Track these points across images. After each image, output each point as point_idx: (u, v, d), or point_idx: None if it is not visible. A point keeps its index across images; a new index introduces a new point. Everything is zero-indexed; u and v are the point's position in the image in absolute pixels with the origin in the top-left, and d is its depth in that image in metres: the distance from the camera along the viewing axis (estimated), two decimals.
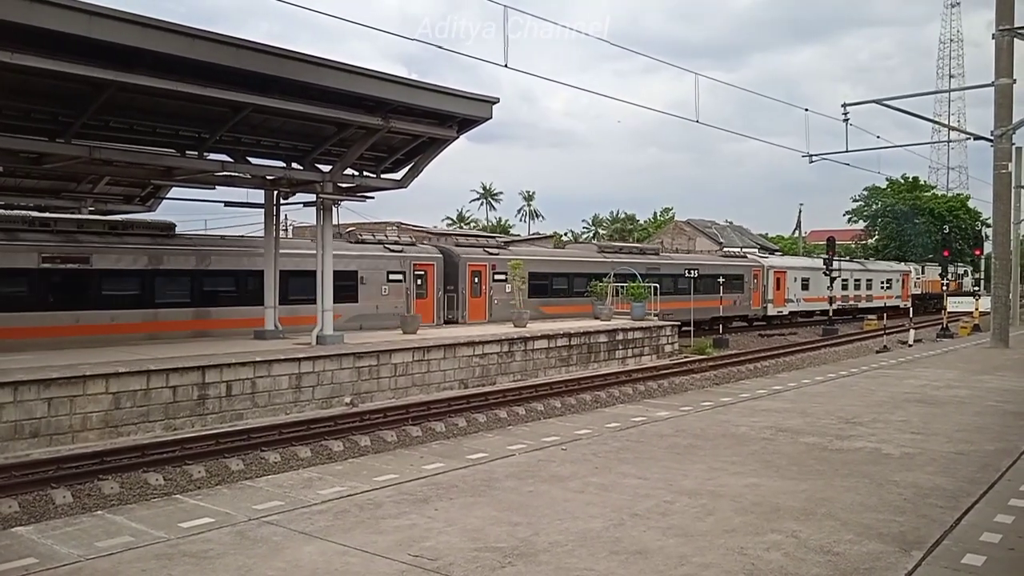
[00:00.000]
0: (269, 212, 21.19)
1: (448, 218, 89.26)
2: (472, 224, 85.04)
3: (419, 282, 26.00)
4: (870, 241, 73.86)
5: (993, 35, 20.10)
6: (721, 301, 35.48)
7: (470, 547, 5.03)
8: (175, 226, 21.95)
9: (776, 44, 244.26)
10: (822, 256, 43.43)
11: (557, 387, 20.23)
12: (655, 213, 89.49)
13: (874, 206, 73.97)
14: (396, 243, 26.58)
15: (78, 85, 14.19)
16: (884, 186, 70.67)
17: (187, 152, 18.05)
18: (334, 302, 19.75)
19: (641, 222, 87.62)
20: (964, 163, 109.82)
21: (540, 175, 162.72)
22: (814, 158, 24.60)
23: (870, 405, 10.91)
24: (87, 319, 19.24)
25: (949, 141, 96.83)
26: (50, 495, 10.82)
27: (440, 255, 27.21)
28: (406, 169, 21.01)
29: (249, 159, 19.11)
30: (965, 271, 57.23)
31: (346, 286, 23.55)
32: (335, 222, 23.81)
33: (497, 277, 28.15)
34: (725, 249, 53.01)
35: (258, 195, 21.32)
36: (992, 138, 20.74)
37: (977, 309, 32.89)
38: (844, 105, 21.23)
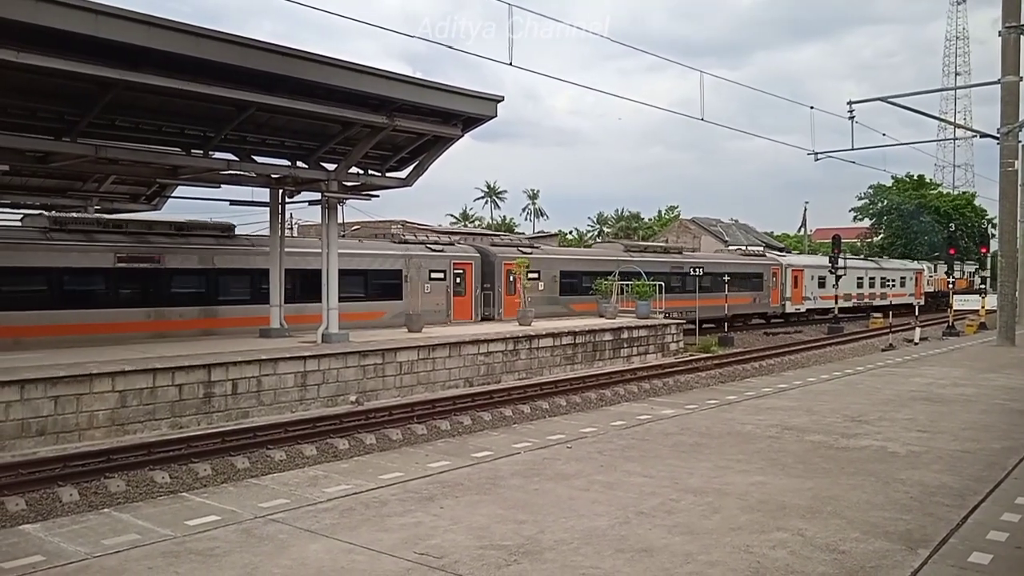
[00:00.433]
0: (274, 210, 21.28)
1: (452, 215, 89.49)
2: (476, 223, 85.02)
3: (458, 280, 26.98)
4: (876, 239, 73.60)
5: (999, 32, 20.05)
6: (748, 299, 35.99)
7: (475, 545, 5.03)
8: (235, 227, 22.91)
9: (778, 42, 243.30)
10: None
11: (562, 385, 20.23)
12: (660, 211, 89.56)
13: (880, 204, 73.74)
14: (437, 243, 27.65)
15: (84, 84, 14.22)
16: (890, 184, 70.44)
17: (193, 151, 18.13)
18: (380, 300, 20.24)
19: (646, 220, 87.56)
20: (970, 161, 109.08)
21: (544, 173, 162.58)
22: (819, 156, 24.52)
23: (876, 403, 10.88)
24: (158, 316, 20.19)
25: (955, 139, 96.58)
26: (57, 493, 10.86)
27: (478, 255, 28.16)
28: (411, 167, 21.05)
29: (254, 157, 19.16)
30: (975, 268, 57.13)
31: (391, 284, 24.68)
32: (340, 220, 24.11)
33: (531, 275, 28.70)
34: (738, 248, 52.93)
35: (263, 193, 21.44)
36: (998, 136, 20.66)
37: (983, 307, 32.76)
38: (850, 103, 21.10)
